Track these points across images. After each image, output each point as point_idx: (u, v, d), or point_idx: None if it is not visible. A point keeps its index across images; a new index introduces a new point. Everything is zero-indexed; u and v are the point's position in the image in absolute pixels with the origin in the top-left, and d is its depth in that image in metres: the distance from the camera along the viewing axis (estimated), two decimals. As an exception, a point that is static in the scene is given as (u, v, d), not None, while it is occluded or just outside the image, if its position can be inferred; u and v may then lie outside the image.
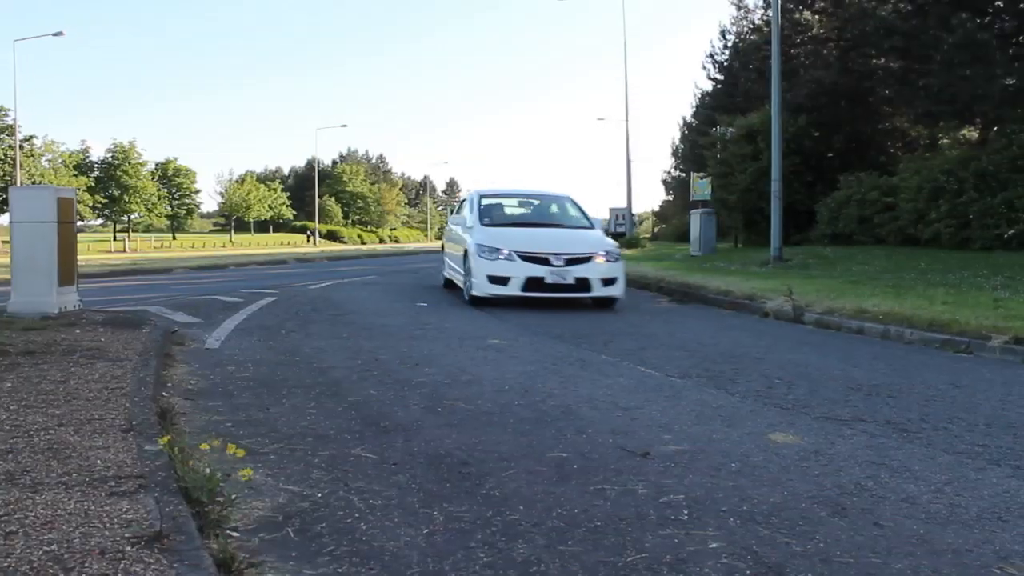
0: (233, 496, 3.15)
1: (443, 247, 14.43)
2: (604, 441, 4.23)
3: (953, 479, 3.68)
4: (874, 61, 22.36)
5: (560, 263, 10.40)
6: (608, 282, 10.60)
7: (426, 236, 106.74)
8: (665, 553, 2.80)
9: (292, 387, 5.53)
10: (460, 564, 2.70)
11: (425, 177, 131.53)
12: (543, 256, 10.46)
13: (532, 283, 10.36)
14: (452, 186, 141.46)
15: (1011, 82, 18.03)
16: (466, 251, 11.23)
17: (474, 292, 10.75)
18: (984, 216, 17.43)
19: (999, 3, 18.71)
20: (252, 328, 8.53)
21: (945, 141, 25.75)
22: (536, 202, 13.64)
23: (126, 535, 2.61)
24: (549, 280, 10.35)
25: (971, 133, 24.34)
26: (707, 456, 3.98)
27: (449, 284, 13.37)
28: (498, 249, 10.59)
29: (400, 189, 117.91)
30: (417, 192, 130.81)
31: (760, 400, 5.28)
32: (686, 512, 3.20)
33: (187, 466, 3.30)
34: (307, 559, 2.74)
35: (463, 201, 13.94)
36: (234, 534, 2.90)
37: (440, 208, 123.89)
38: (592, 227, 12.22)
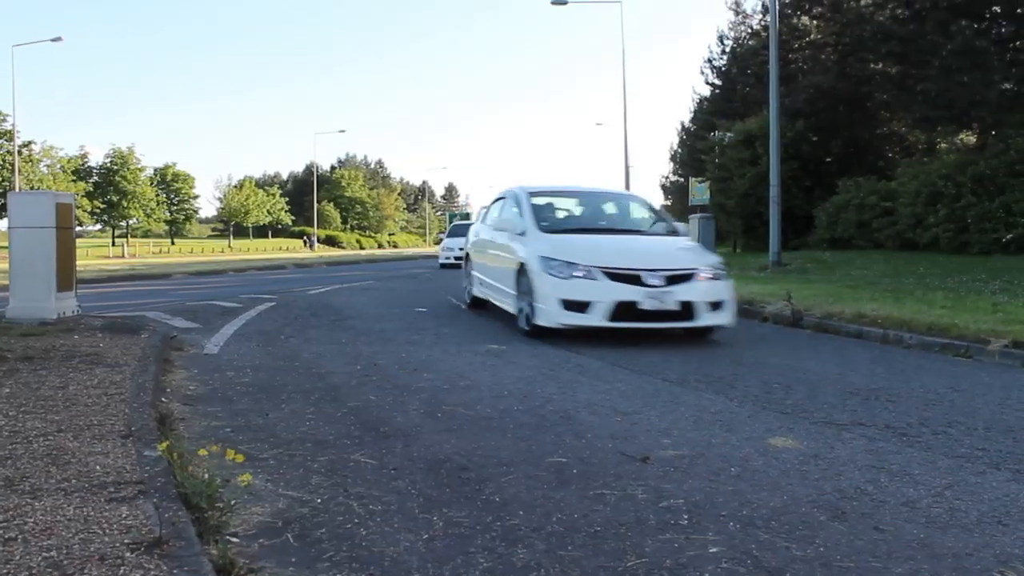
0: (232, 501, 3.15)
1: (468, 257, 11.84)
2: (603, 446, 4.23)
3: (953, 483, 3.68)
4: (872, 66, 22.39)
5: (658, 282, 7.86)
6: (715, 306, 8.10)
7: (425, 241, 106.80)
8: (665, 558, 2.80)
9: (291, 392, 5.53)
10: (460, 569, 2.70)
11: (424, 182, 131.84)
12: (634, 273, 7.91)
13: (623, 309, 7.80)
14: (451, 191, 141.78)
15: (1008, 87, 18.08)
16: (522, 265, 8.69)
17: (540, 321, 8.15)
18: (982, 220, 17.46)
19: (996, 9, 18.73)
20: (251, 333, 8.53)
21: (943, 146, 25.78)
22: (600, 202, 11.05)
23: (126, 541, 2.61)
24: (646, 305, 7.79)
25: (969, 138, 24.36)
26: (706, 461, 3.97)
27: (479, 304, 11.00)
28: (573, 263, 8.07)
29: (399, 194, 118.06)
30: (416, 197, 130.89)
31: (759, 405, 5.28)
32: (686, 517, 3.20)
33: (186, 472, 3.30)
34: (307, 564, 2.73)
35: (499, 200, 11.13)
36: (234, 540, 2.90)
37: (439, 213, 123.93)
38: (678, 233, 9.73)
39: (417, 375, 6.21)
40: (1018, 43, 18.70)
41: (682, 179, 43.17)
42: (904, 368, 6.84)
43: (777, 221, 17.59)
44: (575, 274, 7.97)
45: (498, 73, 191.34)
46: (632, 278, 7.87)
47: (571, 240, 8.76)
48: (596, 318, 7.83)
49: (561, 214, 10.38)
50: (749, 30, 32.50)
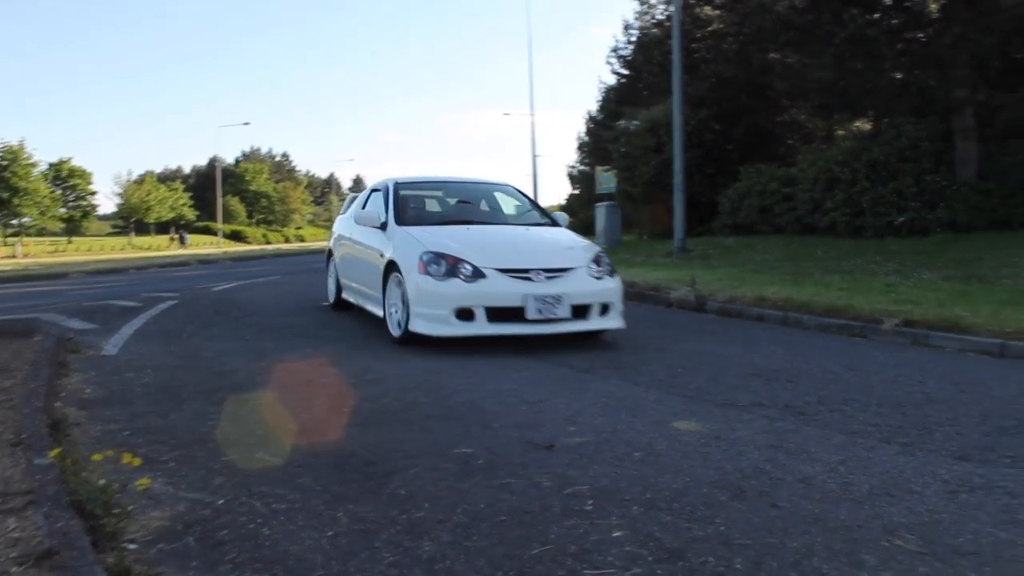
0: (130, 507, 3.06)
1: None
2: (509, 435, 4.25)
3: (847, 459, 3.81)
4: (772, 55, 22.91)
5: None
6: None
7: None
8: (569, 544, 2.83)
9: (193, 392, 5.39)
10: (365, 564, 2.68)
11: (331, 175, 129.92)
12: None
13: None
14: (358, 183, 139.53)
15: (899, 76, 18.75)
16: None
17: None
18: (876, 205, 18.11)
19: (887, 1, 19.40)
20: (151, 333, 8.29)
21: (840, 133, 26.59)
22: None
23: (12, 555, 2.51)
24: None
25: (864, 125, 25.19)
26: (611, 446, 4.03)
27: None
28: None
29: (305, 187, 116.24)
30: (322, 190, 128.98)
31: (664, 389, 5.38)
32: (590, 502, 3.24)
33: (80, 478, 3.19)
34: (208, 567, 2.68)
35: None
36: (131, 546, 2.81)
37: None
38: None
39: (323, 370, 6.13)
40: (907, 34, 19.38)
41: (589, 168, 43.59)
42: (803, 349, 7.05)
43: (682, 208, 17.91)
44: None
45: (405, 62, 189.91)
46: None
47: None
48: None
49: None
50: (653, 20, 32.88)
